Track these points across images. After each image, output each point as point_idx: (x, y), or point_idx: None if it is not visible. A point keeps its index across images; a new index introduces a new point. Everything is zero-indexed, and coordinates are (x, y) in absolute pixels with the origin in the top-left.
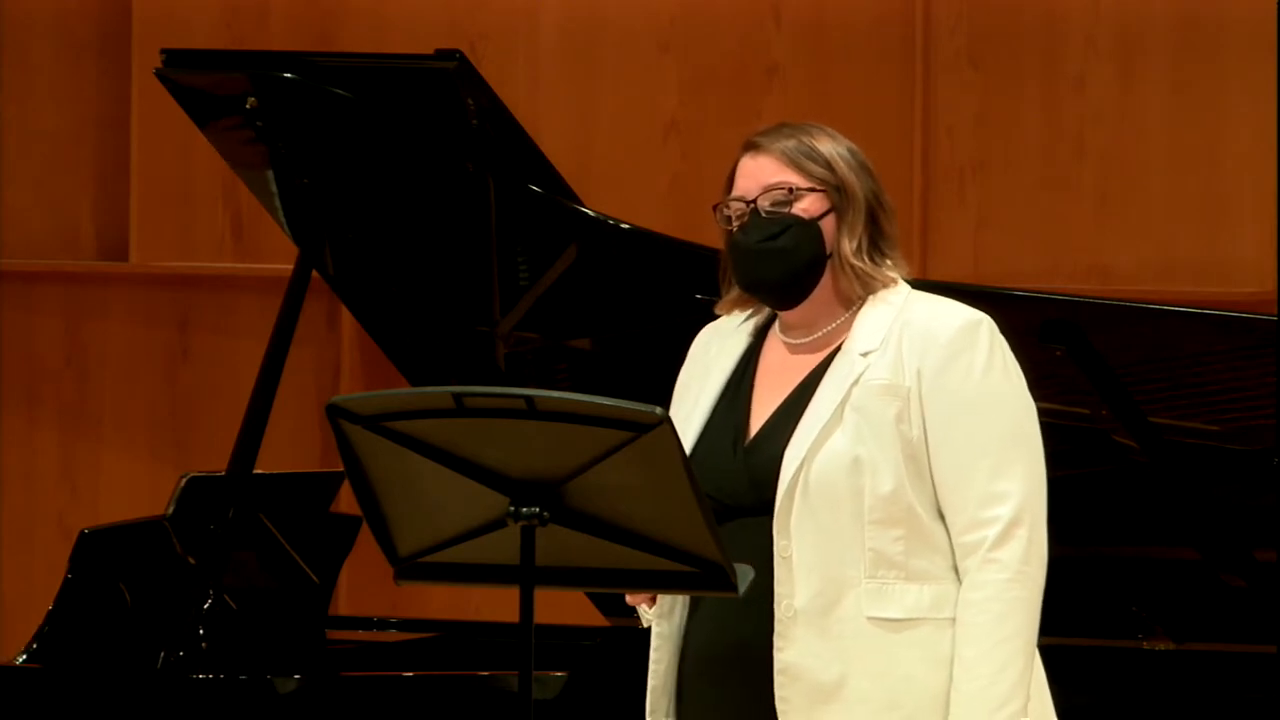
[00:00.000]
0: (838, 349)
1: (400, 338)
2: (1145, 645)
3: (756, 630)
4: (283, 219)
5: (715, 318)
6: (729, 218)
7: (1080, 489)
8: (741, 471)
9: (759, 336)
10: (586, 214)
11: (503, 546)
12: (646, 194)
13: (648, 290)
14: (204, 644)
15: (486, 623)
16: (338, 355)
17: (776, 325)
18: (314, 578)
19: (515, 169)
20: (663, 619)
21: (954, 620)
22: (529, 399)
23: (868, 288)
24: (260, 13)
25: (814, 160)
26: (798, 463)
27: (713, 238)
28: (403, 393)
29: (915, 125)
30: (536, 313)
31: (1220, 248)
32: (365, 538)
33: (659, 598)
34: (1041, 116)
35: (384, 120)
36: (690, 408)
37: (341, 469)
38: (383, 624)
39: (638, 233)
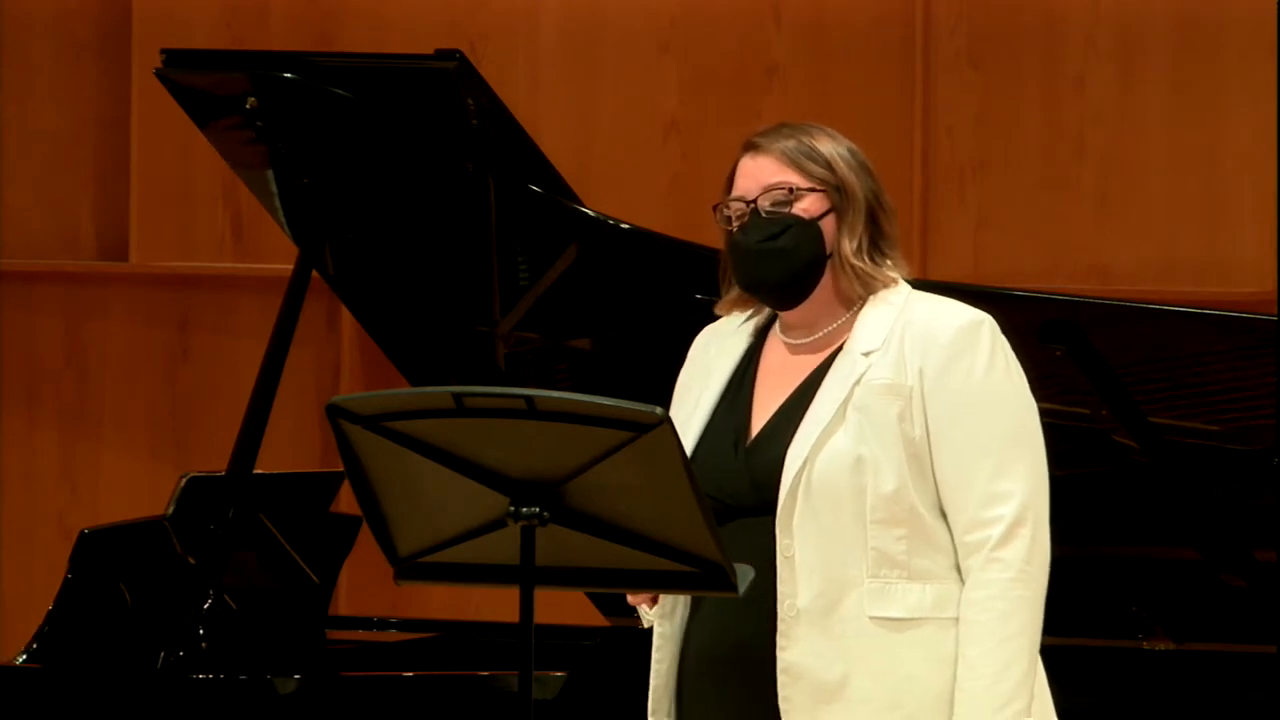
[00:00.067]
0: (838, 349)
1: (400, 338)
2: (1145, 645)
3: (758, 630)
4: (283, 219)
5: (715, 318)
6: (729, 218)
7: (1080, 489)
8: (743, 472)
9: (759, 337)
10: (586, 214)
11: (503, 546)
12: (646, 194)
13: (648, 290)
14: (204, 644)
15: (486, 623)
16: (338, 355)
17: (777, 326)
18: (314, 578)
19: (515, 169)
20: (664, 619)
21: (956, 620)
22: (529, 399)
23: (868, 288)
24: (260, 13)
25: (814, 160)
26: (800, 462)
27: (713, 238)
28: (403, 393)
29: (915, 125)
30: (536, 313)
31: (1220, 248)
32: (365, 538)
33: (660, 598)
34: (1041, 116)
35: (384, 120)
36: (691, 409)
37: (341, 469)
38: (383, 624)
39: (638, 233)
